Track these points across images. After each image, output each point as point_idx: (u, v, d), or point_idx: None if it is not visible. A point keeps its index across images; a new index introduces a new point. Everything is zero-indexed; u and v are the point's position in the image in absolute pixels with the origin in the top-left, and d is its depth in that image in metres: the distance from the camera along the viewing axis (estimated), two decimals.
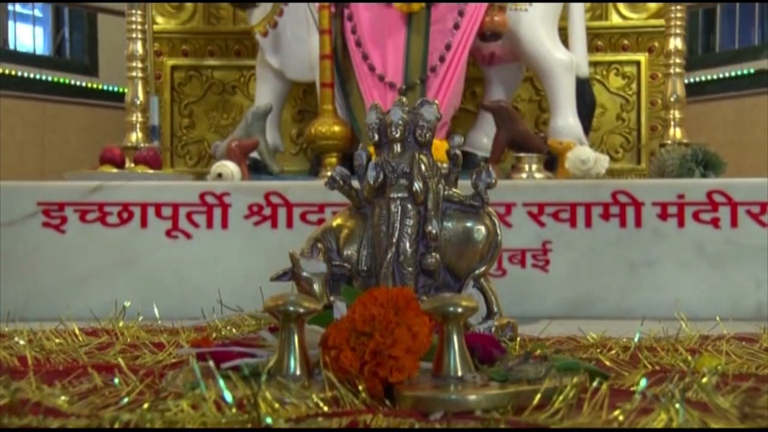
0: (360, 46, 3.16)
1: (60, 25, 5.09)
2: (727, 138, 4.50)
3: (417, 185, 1.59)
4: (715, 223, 2.54)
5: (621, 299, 2.54)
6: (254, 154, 3.24)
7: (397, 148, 1.61)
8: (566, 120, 3.27)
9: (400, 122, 1.59)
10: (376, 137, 1.63)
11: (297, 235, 2.47)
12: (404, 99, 1.62)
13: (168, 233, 2.60)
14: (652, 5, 3.65)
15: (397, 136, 1.59)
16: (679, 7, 3.21)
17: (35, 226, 2.57)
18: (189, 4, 3.78)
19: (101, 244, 2.58)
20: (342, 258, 1.67)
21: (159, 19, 3.74)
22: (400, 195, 1.62)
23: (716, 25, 5.08)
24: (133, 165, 3.06)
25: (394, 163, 1.61)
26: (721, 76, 4.75)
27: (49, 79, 4.74)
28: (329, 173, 1.76)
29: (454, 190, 1.67)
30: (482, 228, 1.67)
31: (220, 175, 2.92)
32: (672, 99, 3.20)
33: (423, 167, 1.60)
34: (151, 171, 3.01)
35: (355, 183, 1.72)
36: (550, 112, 3.38)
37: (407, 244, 1.62)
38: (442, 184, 1.64)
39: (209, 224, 2.61)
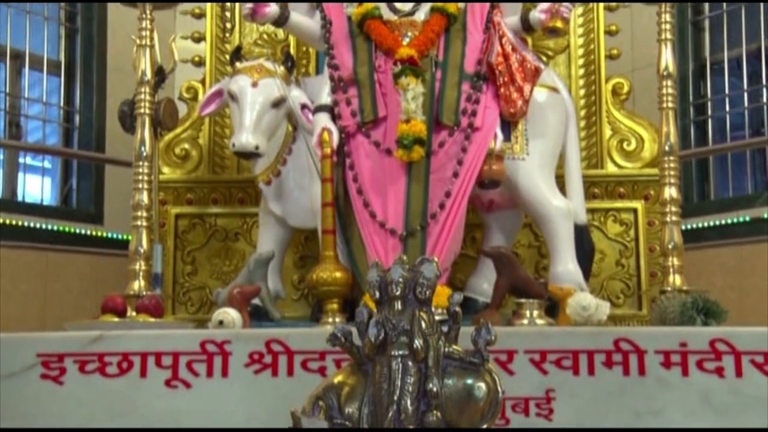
0: (361, 194, 3.21)
1: (68, 175, 5.20)
2: (727, 284, 4.51)
3: (418, 343, 1.59)
4: (719, 372, 2.51)
5: None
6: (255, 301, 3.24)
7: (398, 305, 1.63)
8: (566, 266, 3.30)
9: (401, 280, 1.61)
10: (377, 294, 1.65)
11: (297, 384, 2.45)
12: (404, 257, 1.64)
13: (167, 383, 2.57)
14: (646, 155, 3.74)
15: (398, 293, 1.61)
16: (672, 158, 3.28)
17: (33, 378, 2.54)
18: (195, 155, 3.88)
19: (100, 396, 2.55)
20: (343, 416, 1.65)
21: (165, 169, 3.83)
22: (401, 352, 1.62)
23: (710, 174, 5.19)
24: (134, 314, 3.06)
25: (395, 321, 1.62)
26: (717, 223, 4.81)
27: (55, 228, 4.80)
28: (330, 328, 1.76)
29: (454, 347, 1.68)
30: (483, 385, 1.66)
31: (221, 323, 2.91)
32: (670, 246, 3.23)
33: (423, 325, 1.61)
34: (152, 319, 3.01)
35: (357, 338, 1.72)
36: (549, 258, 3.41)
37: (408, 402, 1.60)
38: (443, 341, 1.64)
39: (209, 373, 2.58)
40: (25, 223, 4.68)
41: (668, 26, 3.31)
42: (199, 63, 3.95)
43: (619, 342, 2.55)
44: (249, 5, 3.28)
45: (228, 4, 3.90)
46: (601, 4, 3.85)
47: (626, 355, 2.54)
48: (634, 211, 3.76)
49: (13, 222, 4.62)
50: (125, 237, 4.58)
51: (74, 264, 4.81)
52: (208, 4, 3.93)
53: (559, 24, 3.26)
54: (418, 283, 1.62)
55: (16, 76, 5.07)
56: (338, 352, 2.22)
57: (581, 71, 3.86)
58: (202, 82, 3.92)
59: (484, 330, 1.64)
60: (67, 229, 4.85)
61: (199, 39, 3.96)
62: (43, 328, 3.73)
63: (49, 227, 4.78)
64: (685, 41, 5.23)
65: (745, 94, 5.16)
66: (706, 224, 4.84)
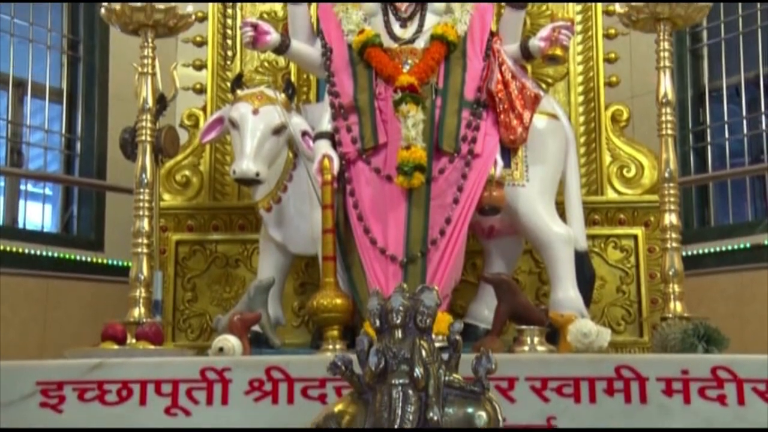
0: (361, 221, 3.22)
1: (69, 203, 5.21)
2: (728, 311, 4.50)
3: (418, 371, 1.59)
4: (721, 400, 2.50)
5: None
6: (256, 328, 3.24)
7: (398, 333, 1.62)
8: (567, 293, 3.29)
9: (401, 308, 1.61)
10: (378, 323, 1.65)
11: (298, 412, 2.44)
12: (405, 285, 1.64)
13: (167, 410, 2.56)
14: (646, 182, 3.75)
15: (398, 322, 1.61)
16: (672, 185, 3.29)
17: (33, 407, 2.53)
18: (196, 182, 3.89)
19: (99, 424, 2.53)
20: None
21: (166, 196, 3.84)
22: (401, 381, 1.62)
23: (710, 200, 5.20)
24: (134, 341, 3.05)
25: (396, 349, 1.62)
26: (718, 249, 4.81)
27: (55, 255, 4.80)
28: (331, 355, 1.76)
29: (454, 375, 1.67)
30: (483, 414, 1.65)
31: (221, 350, 2.91)
32: (671, 273, 3.22)
33: (424, 353, 1.61)
34: (152, 347, 3.00)
35: (357, 367, 1.71)
36: (550, 284, 3.40)
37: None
38: (443, 369, 1.64)
39: (209, 400, 2.57)
40: (26, 250, 4.68)
41: (667, 54, 3.32)
42: (201, 90, 3.97)
43: (621, 369, 2.54)
44: (250, 33, 3.30)
45: (229, 31, 3.93)
46: (600, 32, 3.87)
47: (627, 383, 2.53)
48: (635, 237, 3.76)
49: (14, 249, 4.62)
50: (126, 264, 4.57)
51: (74, 291, 4.81)
52: (210, 32, 3.95)
53: (558, 52, 3.28)
54: (418, 311, 1.62)
55: (18, 103, 5.09)
56: (339, 380, 2.22)
57: (581, 98, 3.88)
58: (203, 109, 3.93)
59: (485, 359, 1.64)
60: (67, 256, 4.85)
61: (200, 66, 3.99)
62: (43, 355, 3.72)
63: (50, 254, 4.78)
64: (684, 69, 5.26)
65: (744, 122, 5.18)
66: (706, 251, 4.84)
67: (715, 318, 2.99)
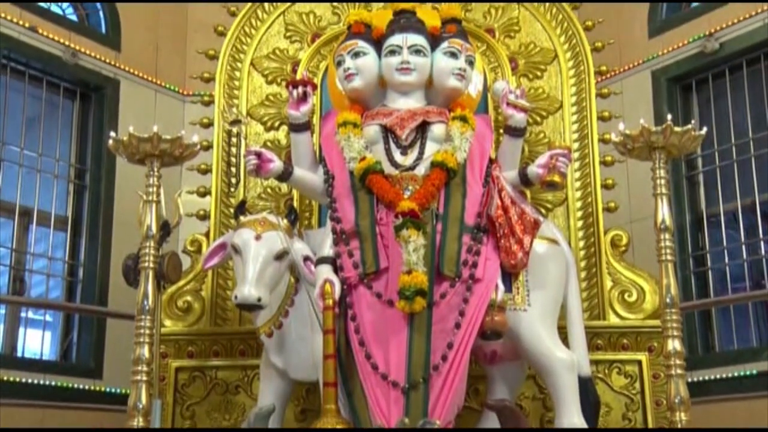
0: (363, 346, 3.20)
1: (69, 329, 5.19)
2: None
3: None
4: None
5: None
6: None
7: None
8: (571, 419, 3.24)
9: None
10: None
11: None
12: (406, 420, 1.62)
13: None
14: (648, 307, 3.74)
15: None
16: (674, 310, 3.27)
17: None
18: (197, 308, 3.88)
19: None
20: None
21: (167, 322, 3.82)
22: None
23: (713, 325, 5.18)
24: None
25: None
26: (724, 376, 4.75)
27: (53, 383, 4.74)
28: None
29: None
30: None
31: None
32: (676, 401, 3.16)
33: None
34: None
35: None
36: (554, 411, 3.35)
37: None
38: None
39: None
40: (23, 379, 4.63)
41: (663, 181, 3.37)
42: (204, 217, 4.02)
43: None
44: (254, 161, 3.37)
45: (233, 159, 4.01)
46: (597, 160, 3.95)
47: None
48: (639, 363, 3.72)
49: (11, 378, 4.57)
50: (124, 391, 4.51)
51: (71, 421, 4.72)
52: (214, 160, 4.02)
53: (556, 178, 3.34)
54: None
55: (23, 232, 5.15)
56: None
57: (580, 223, 3.91)
58: (207, 235, 3.97)
59: None
60: (65, 385, 4.79)
61: (204, 193, 4.05)
62: None
63: (48, 383, 4.73)
64: (681, 195, 5.35)
65: (743, 247, 5.22)
66: (712, 377, 4.78)
67: None
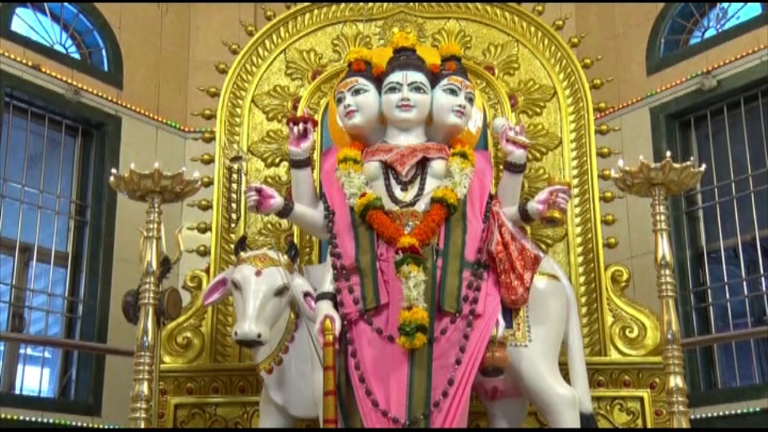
0: (363, 382, 3.18)
1: (68, 365, 5.17)
2: None
3: None
4: None
5: None
6: None
7: None
8: None
9: None
10: None
11: None
12: None
13: None
14: (649, 343, 3.73)
15: None
16: (675, 346, 3.25)
17: None
18: (197, 344, 3.87)
19: None
20: None
21: (167, 358, 3.81)
22: None
23: (715, 362, 5.15)
24: None
25: None
26: (727, 413, 4.72)
27: (51, 421, 4.71)
28: None
29: None
30: None
31: None
32: None
33: None
34: None
35: None
36: None
37: None
38: None
39: None
40: (21, 417, 4.60)
41: (663, 217, 3.37)
42: (204, 253, 4.02)
43: None
44: (254, 197, 3.38)
45: (234, 195, 4.01)
46: (597, 195, 3.95)
47: None
48: (641, 399, 3.70)
49: (9, 416, 4.54)
50: (123, 429, 4.49)
51: None
52: (215, 196, 4.03)
53: (556, 214, 3.35)
54: None
55: (23, 268, 5.14)
56: None
57: (580, 259, 3.92)
58: (207, 271, 3.97)
59: None
60: (63, 422, 4.76)
61: (205, 229, 4.06)
62: None
63: (46, 420, 4.69)
64: (681, 230, 5.35)
65: (744, 283, 5.21)
66: (715, 414, 4.75)
67: None
